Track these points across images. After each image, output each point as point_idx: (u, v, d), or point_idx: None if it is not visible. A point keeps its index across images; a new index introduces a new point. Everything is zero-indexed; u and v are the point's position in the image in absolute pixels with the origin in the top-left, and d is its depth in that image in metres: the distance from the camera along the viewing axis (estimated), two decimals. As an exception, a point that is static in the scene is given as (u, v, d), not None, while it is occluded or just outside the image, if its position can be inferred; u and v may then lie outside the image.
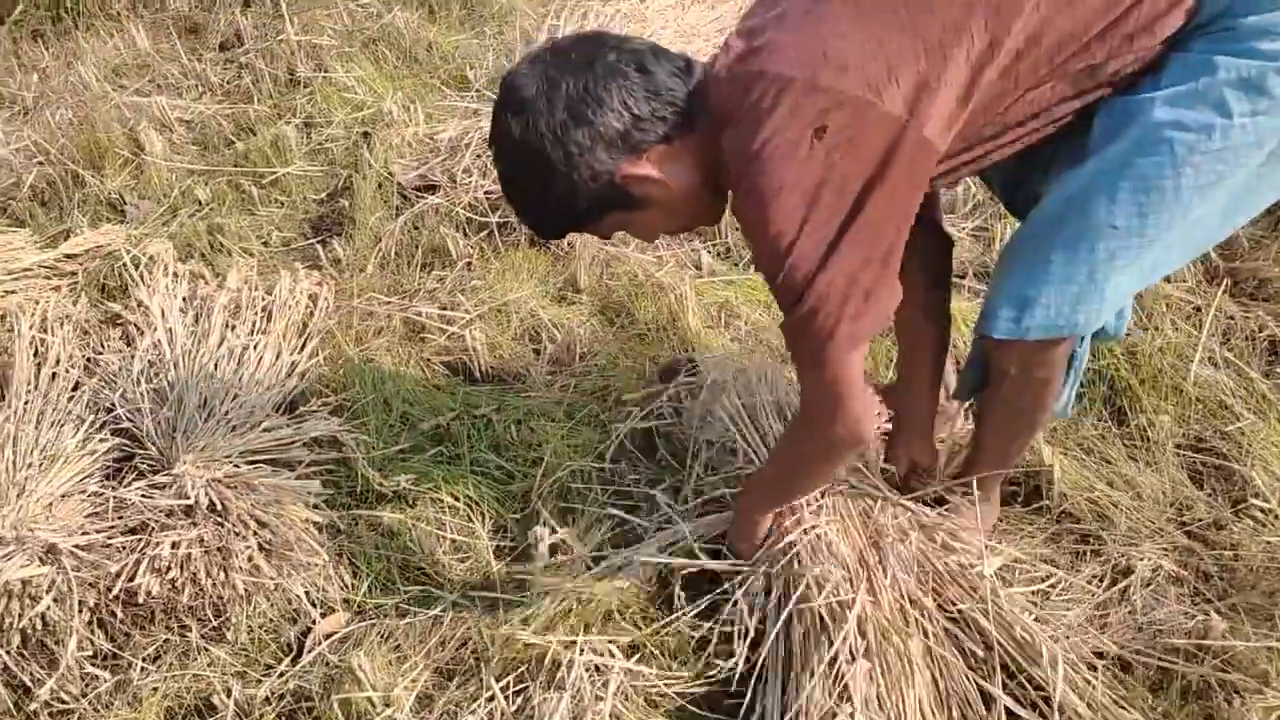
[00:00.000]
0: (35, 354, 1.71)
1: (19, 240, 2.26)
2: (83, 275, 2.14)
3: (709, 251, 2.11)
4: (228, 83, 2.89)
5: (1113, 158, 1.04)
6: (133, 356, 1.68)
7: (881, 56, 0.96)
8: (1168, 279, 1.89)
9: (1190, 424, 1.65)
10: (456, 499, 1.57)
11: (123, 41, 3.08)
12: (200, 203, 2.39)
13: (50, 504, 1.41)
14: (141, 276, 2.04)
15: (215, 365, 1.66)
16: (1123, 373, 1.73)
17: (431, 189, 2.26)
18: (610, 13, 2.69)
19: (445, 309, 1.97)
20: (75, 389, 1.65)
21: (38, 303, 1.96)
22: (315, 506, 1.47)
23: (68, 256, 2.20)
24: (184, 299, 1.91)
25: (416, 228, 2.19)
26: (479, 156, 2.29)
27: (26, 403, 1.57)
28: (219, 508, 1.38)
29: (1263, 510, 1.49)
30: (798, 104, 0.96)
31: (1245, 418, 1.63)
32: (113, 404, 1.56)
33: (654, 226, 1.17)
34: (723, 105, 1.04)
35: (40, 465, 1.45)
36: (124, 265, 2.06)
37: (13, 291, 2.03)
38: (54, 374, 1.65)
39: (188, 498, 1.37)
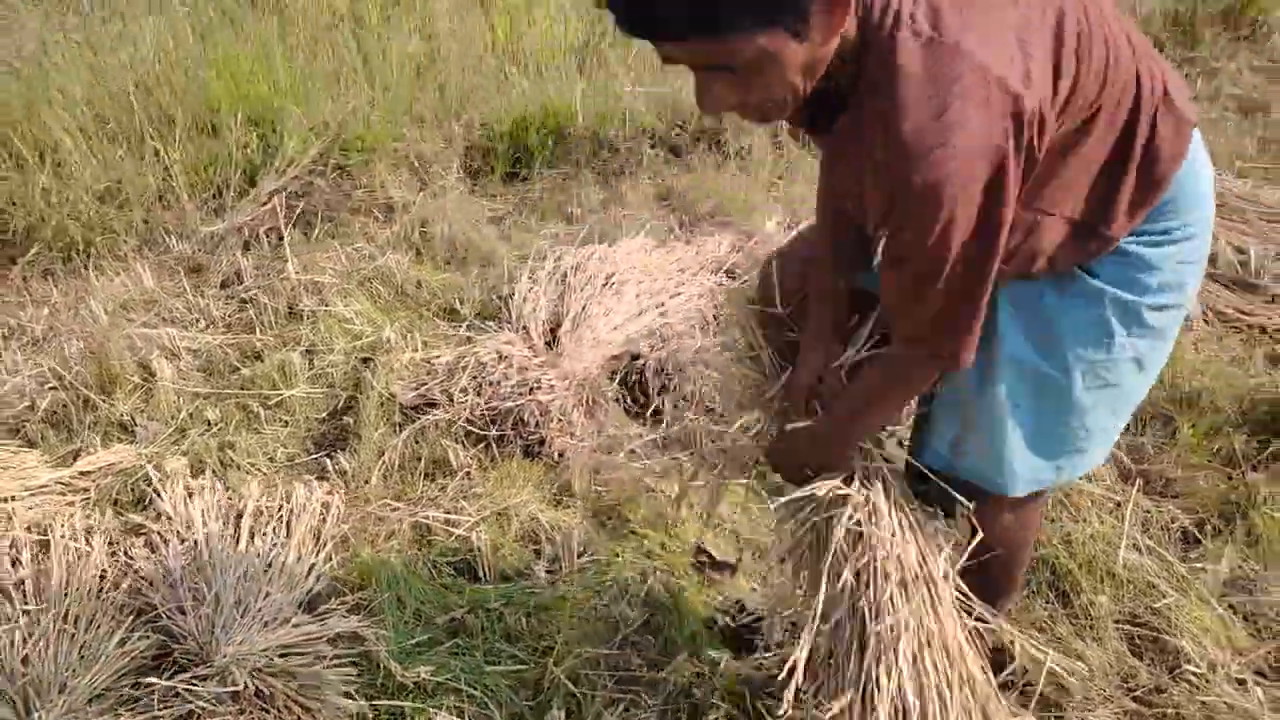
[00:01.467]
0: (69, 561, 1.81)
1: (32, 460, 2.39)
2: (96, 491, 2.27)
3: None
4: (230, 316, 3.15)
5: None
6: (166, 560, 1.79)
7: None
8: (1089, 479, 2.17)
9: (1124, 602, 1.87)
10: (474, 688, 1.68)
11: (130, 280, 3.33)
12: (209, 423, 2.56)
13: (91, 699, 1.48)
14: (157, 490, 2.18)
15: (245, 568, 1.79)
16: (1063, 560, 1.96)
17: (431, 406, 2.48)
18: (586, 254, 3.06)
19: (449, 514, 2.14)
20: (110, 590, 1.75)
21: (57, 515, 2.07)
22: (348, 695, 1.57)
23: (82, 474, 2.33)
24: (204, 509, 2.04)
25: (418, 441, 2.39)
26: (474, 378, 2.53)
27: (66, 606, 1.66)
28: (265, 694, 1.47)
29: (1196, 674, 1.69)
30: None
31: (1170, 595, 1.86)
32: (153, 604, 1.67)
33: (784, 77, 1.02)
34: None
35: (82, 661, 1.53)
36: (143, 479, 2.20)
37: (32, 508, 2.14)
38: (90, 578, 1.75)
39: (236, 685, 1.46)
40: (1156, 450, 2.27)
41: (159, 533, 1.96)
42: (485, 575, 2.01)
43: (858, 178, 1.08)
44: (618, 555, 2.00)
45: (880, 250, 1.15)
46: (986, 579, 1.42)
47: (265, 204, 3.69)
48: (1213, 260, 3.00)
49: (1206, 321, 2.78)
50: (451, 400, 2.49)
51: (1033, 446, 1.32)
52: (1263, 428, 2.27)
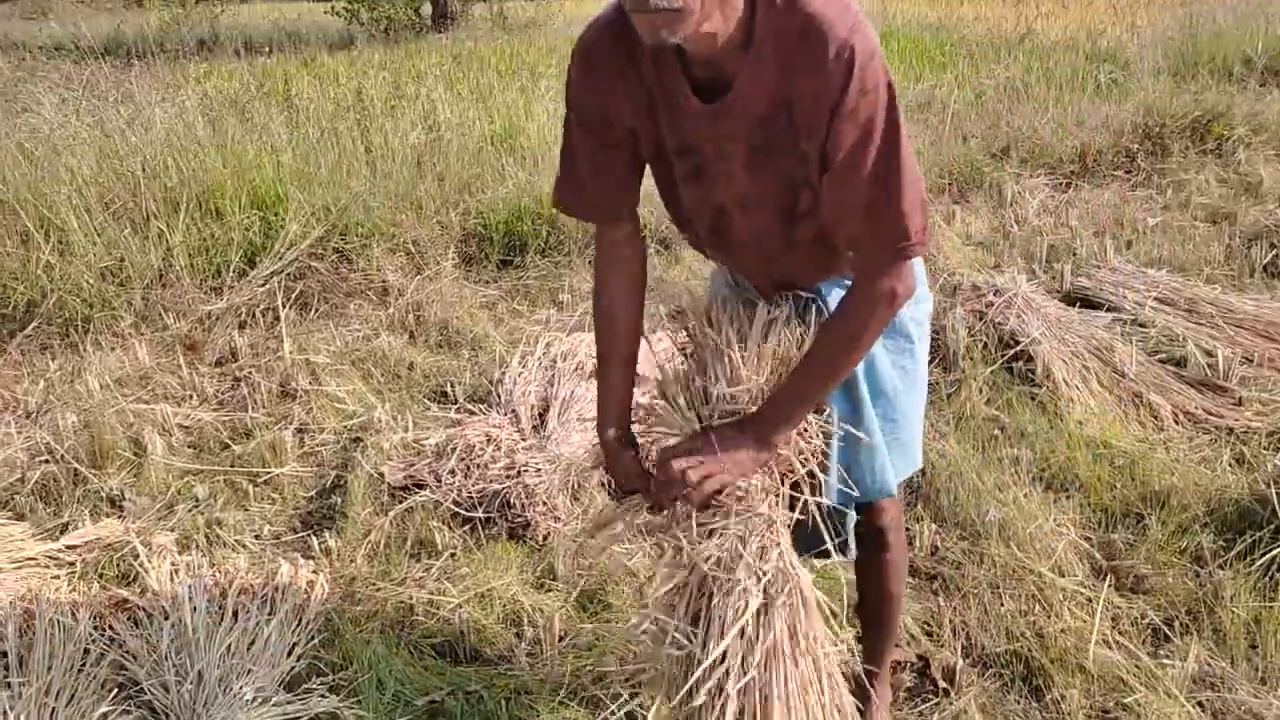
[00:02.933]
0: (54, 635, 1.83)
1: (19, 532, 2.41)
2: (82, 564, 2.28)
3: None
4: (223, 393, 3.20)
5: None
6: (150, 636, 1.81)
7: None
8: (1062, 573, 2.22)
9: (1095, 697, 1.90)
10: (451, 771, 1.69)
11: (126, 356, 3.39)
12: (197, 499, 2.60)
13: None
14: (144, 565, 2.20)
15: (229, 645, 1.81)
16: (1035, 654, 2.00)
17: (419, 486, 2.53)
18: (576, 340, 3.15)
19: (433, 595, 2.17)
20: (93, 665, 1.76)
21: (43, 588, 2.09)
22: (325, 775, 1.58)
23: (69, 547, 2.35)
24: (190, 585, 2.07)
25: (404, 522, 2.42)
26: (462, 460, 2.58)
27: (49, 680, 1.67)
28: (244, 771, 1.48)
29: (1165, 771, 1.72)
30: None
31: (1139, 690, 1.89)
32: (136, 679, 1.68)
33: None
34: None
35: (63, 736, 1.54)
36: (130, 553, 2.23)
37: (19, 580, 2.16)
38: (74, 652, 1.76)
39: (216, 761, 1.47)
40: (1127, 547, 2.32)
41: (144, 608, 1.98)
42: (466, 657, 2.02)
43: (775, 114, 1.21)
44: (599, 639, 2.02)
45: (834, 169, 1.22)
46: (888, 595, 1.68)
47: (264, 285, 3.78)
48: (1182, 362, 3.11)
49: (1177, 422, 2.86)
50: (439, 481, 2.53)
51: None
52: (1229, 526, 2.33)
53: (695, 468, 1.30)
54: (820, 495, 1.40)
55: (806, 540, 1.48)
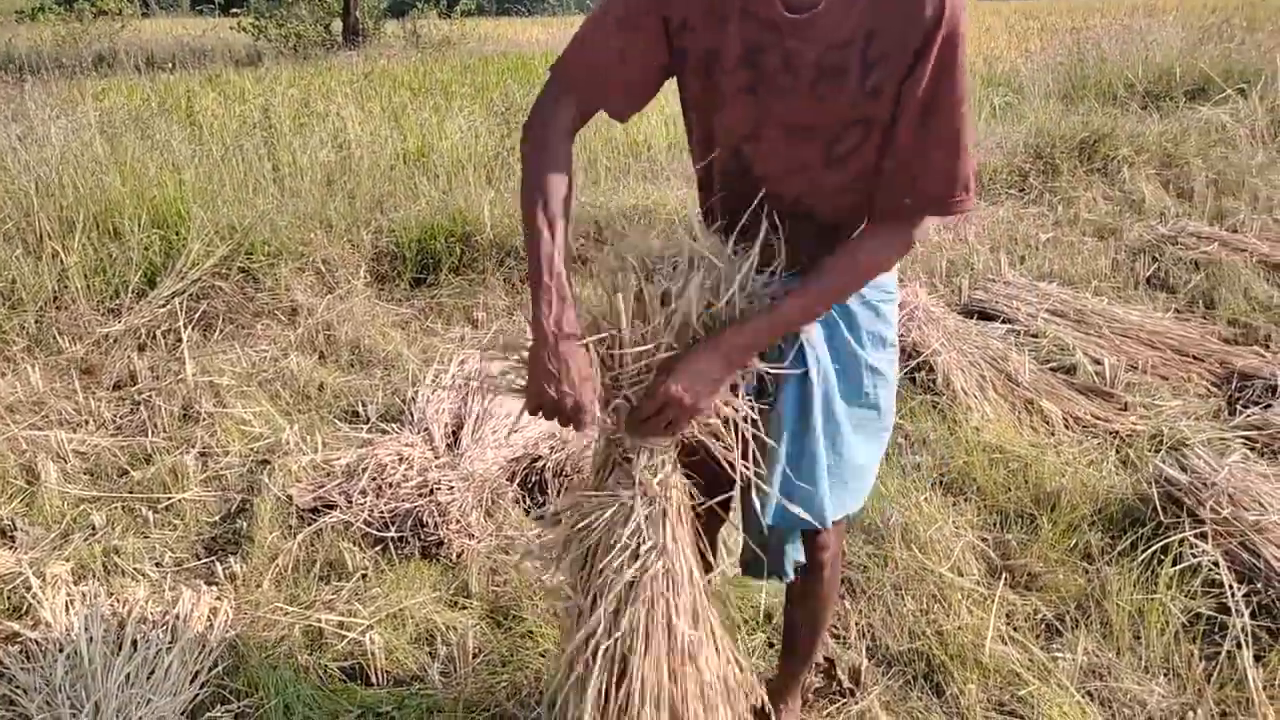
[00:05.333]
0: (-65, 670, 1.75)
1: (-99, 565, 2.29)
2: (-32, 598, 2.18)
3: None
4: (121, 418, 3.10)
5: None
6: (45, 669, 1.74)
7: None
8: (960, 573, 2.31)
9: (992, 690, 1.98)
10: (361, 794, 1.67)
11: (18, 381, 3.26)
12: (94, 527, 2.50)
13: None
14: (36, 597, 2.12)
15: (127, 677, 1.75)
16: (935, 651, 2.07)
17: (329, 508, 2.49)
18: (489, 359, 3.14)
19: (343, 617, 2.13)
20: (-21, 702, 1.68)
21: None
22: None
23: (-45, 580, 2.24)
24: (86, 616, 1.99)
25: (314, 544, 2.38)
26: (374, 480, 2.55)
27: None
28: (141, 803, 1.44)
29: (1057, 758, 1.80)
30: None
31: (1033, 683, 1.98)
32: (28, 714, 1.61)
33: None
34: None
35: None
36: (22, 585, 2.14)
37: (-102, 614, 2.05)
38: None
39: (111, 794, 1.42)
40: (1021, 547, 2.42)
41: (37, 640, 1.90)
42: (378, 679, 2.00)
43: (854, 40, 1.21)
44: (513, 655, 2.02)
45: (908, 108, 1.23)
46: (813, 624, 1.72)
47: (164, 305, 3.68)
48: (1071, 370, 3.27)
49: (1067, 427, 3.01)
50: (350, 502, 2.50)
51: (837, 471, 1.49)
52: (1114, 524, 2.46)
53: (688, 391, 1.27)
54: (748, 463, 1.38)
55: (750, 562, 1.55)
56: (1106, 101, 6.98)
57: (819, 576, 1.60)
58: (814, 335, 1.42)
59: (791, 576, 1.55)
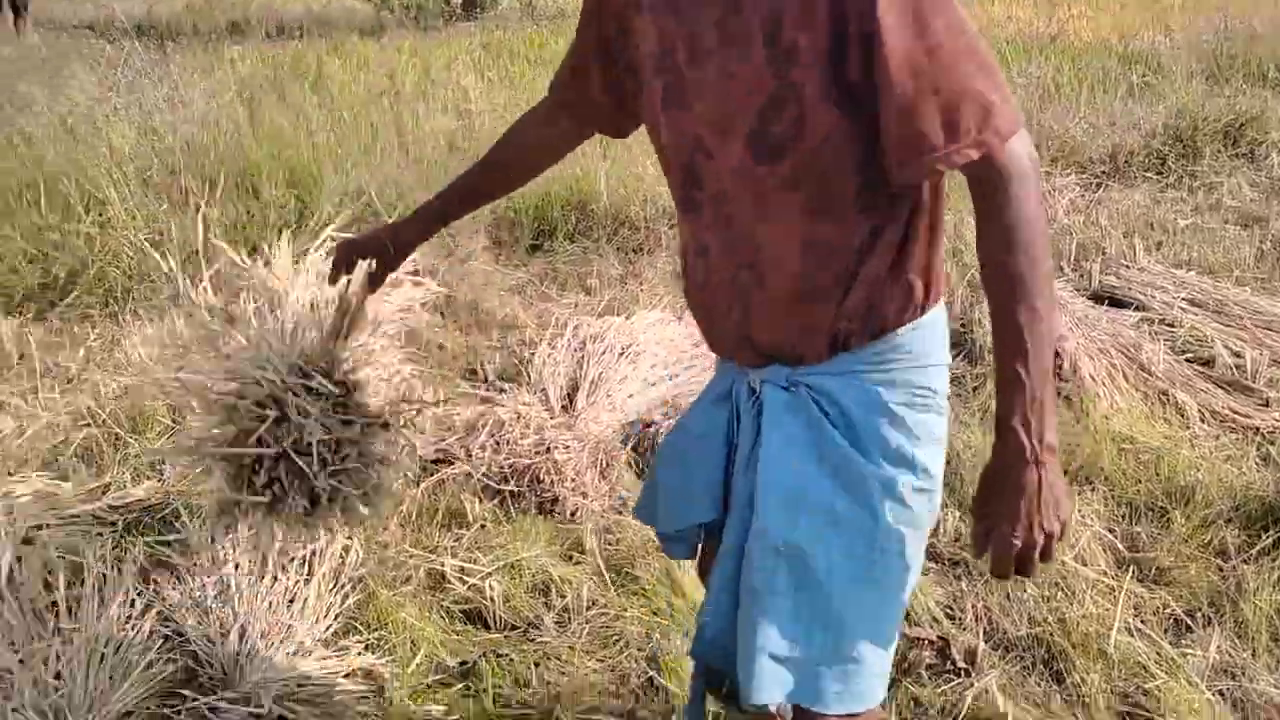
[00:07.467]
0: (100, 587, 1.89)
1: (62, 491, 2.48)
2: (123, 524, 2.34)
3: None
4: (257, 366, 3.26)
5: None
6: (194, 592, 1.87)
7: None
8: (1084, 562, 2.24)
9: (1116, 681, 1.92)
10: (482, 730, 1.74)
11: (164, 327, 3.46)
12: (234, 466, 2.65)
13: (120, 716, 1.54)
14: (185, 526, 2.26)
15: (270, 605, 1.86)
16: (1057, 638, 2.02)
17: (451, 461, 2.57)
18: (605, 324, 3.19)
19: (464, 563, 2.21)
20: (138, 617, 1.82)
21: (89, 542, 2.15)
22: (362, 725, 1.63)
23: (111, 507, 2.41)
24: (231, 546, 2.12)
25: (436, 494, 2.47)
26: (493, 435, 2.63)
27: (97, 629, 1.73)
28: (286, 719, 1.53)
29: (1184, 755, 1.74)
30: None
31: (1160, 677, 1.91)
32: (181, 631, 1.74)
33: None
34: None
35: (112, 681, 1.60)
36: (170, 515, 2.28)
37: (65, 536, 2.22)
38: (120, 603, 1.82)
39: (260, 708, 1.53)
40: (1150, 540, 2.34)
41: (186, 566, 2.04)
42: (496, 623, 2.07)
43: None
44: (625, 610, 2.06)
45: (881, 52, 0.99)
46: None
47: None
48: (1210, 363, 3.12)
49: (1203, 420, 2.87)
50: (469, 455, 2.58)
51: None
52: (1253, 522, 2.35)
53: (1025, 531, 1.06)
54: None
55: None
56: (1255, 83, 6.56)
57: None
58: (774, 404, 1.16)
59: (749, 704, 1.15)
